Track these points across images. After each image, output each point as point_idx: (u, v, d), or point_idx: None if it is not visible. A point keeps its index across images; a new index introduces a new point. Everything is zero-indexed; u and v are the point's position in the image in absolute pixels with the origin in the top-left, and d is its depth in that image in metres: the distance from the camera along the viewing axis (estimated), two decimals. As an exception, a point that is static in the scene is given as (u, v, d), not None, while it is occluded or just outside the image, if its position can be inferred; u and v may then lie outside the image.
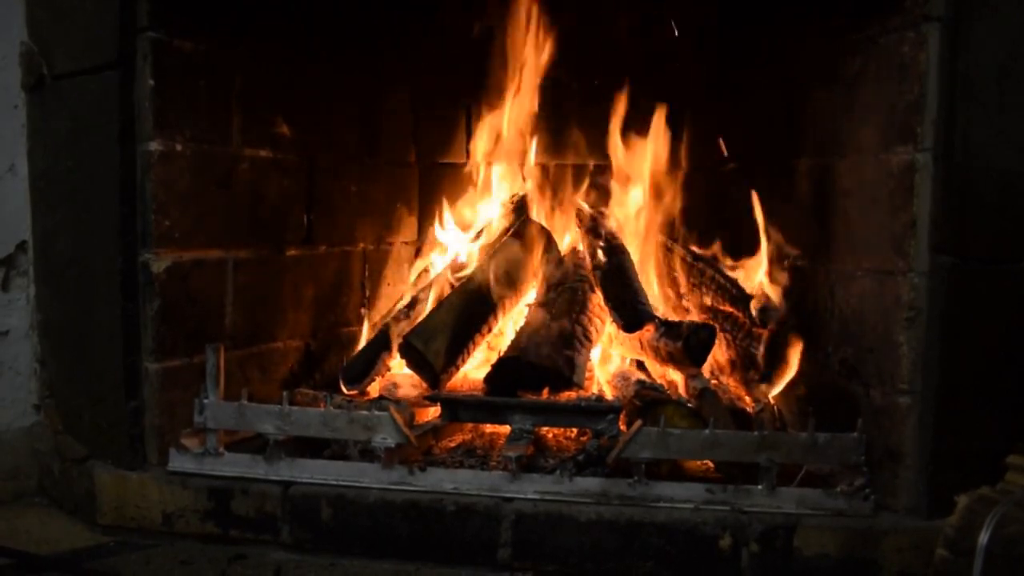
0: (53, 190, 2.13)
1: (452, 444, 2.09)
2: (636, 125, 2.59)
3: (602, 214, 2.62)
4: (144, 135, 1.89)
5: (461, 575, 1.77)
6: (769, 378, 2.14)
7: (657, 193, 2.67)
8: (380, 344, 2.36)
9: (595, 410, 1.95)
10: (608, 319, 2.35)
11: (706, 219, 2.61)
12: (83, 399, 2.07)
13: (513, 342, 2.27)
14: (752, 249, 2.29)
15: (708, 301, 2.39)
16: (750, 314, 2.21)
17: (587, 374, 2.26)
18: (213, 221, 2.04)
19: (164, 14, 1.88)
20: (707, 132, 2.66)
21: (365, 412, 1.87)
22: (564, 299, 2.34)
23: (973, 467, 1.68)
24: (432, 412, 2.15)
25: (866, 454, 1.77)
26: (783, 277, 2.20)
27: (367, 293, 2.63)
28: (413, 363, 2.26)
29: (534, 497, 1.80)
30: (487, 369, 2.25)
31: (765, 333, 2.16)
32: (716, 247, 2.44)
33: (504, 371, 2.18)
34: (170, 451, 1.91)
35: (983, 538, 1.47)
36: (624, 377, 2.27)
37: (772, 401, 2.14)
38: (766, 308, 2.17)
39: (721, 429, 1.81)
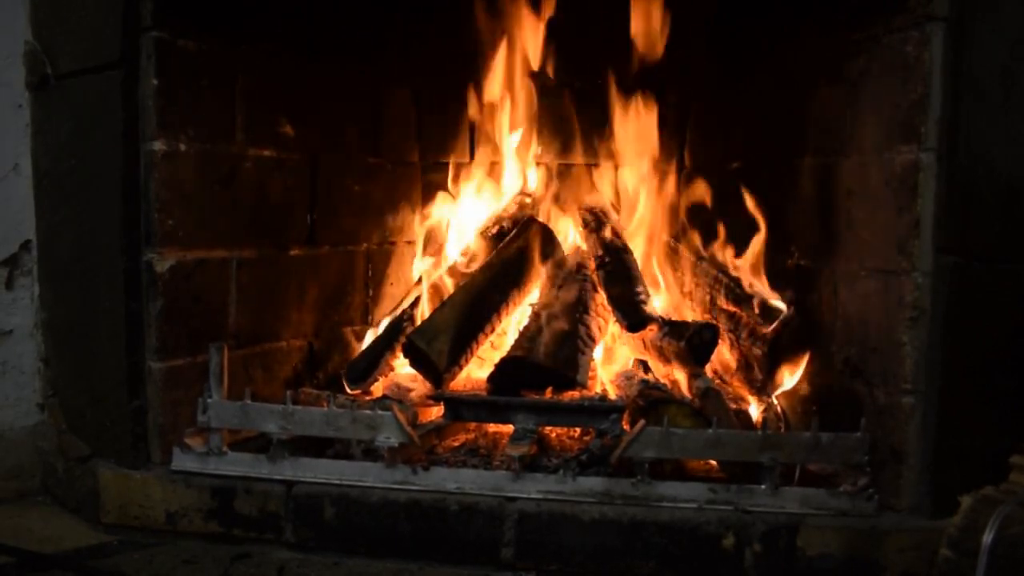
0: (57, 189, 2.13)
1: (455, 443, 2.09)
2: (639, 124, 2.59)
3: (605, 213, 2.62)
4: (148, 134, 1.90)
5: (464, 575, 1.77)
6: (772, 378, 2.14)
7: (660, 192, 2.67)
8: (383, 343, 2.36)
9: (598, 409, 1.95)
10: (611, 319, 2.35)
11: (709, 218, 2.61)
12: (86, 398, 2.07)
13: (516, 342, 2.27)
14: (755, 248, 2.29)
15: (711, 301, 2.39)
16: (754, 314, 2.21)
17: (590, 374, 2.26)
18: (216, 220, 2.04)
19: (168, 14, 1.88)
20: (710, 131, 2.66)
21: (368, 411, 1.87)
22: (567, 299, 2.33)
23: (977, 467, 1.67)
24: (435, 411, 2.15)
25: (869, 454, 1.77)
26: (787, 277, 2.19)
27: (370, 292, 2.63)
28: (416, 362, 2.26)
29: (537, 496, 1.80)
30: (490, 368, 2.25)
31: (769, 333, 2.16)
32: (719, 246, 2.44)
33: (507, 371, 2.18)
34: (173, 450, 1.91)
35: (987, 538, 1.47)
36: (627, 377, 2.27)
37: (776, 401, 2.13)
38: (769, 308, 2.17)
39: (724, 429, 1.81)
